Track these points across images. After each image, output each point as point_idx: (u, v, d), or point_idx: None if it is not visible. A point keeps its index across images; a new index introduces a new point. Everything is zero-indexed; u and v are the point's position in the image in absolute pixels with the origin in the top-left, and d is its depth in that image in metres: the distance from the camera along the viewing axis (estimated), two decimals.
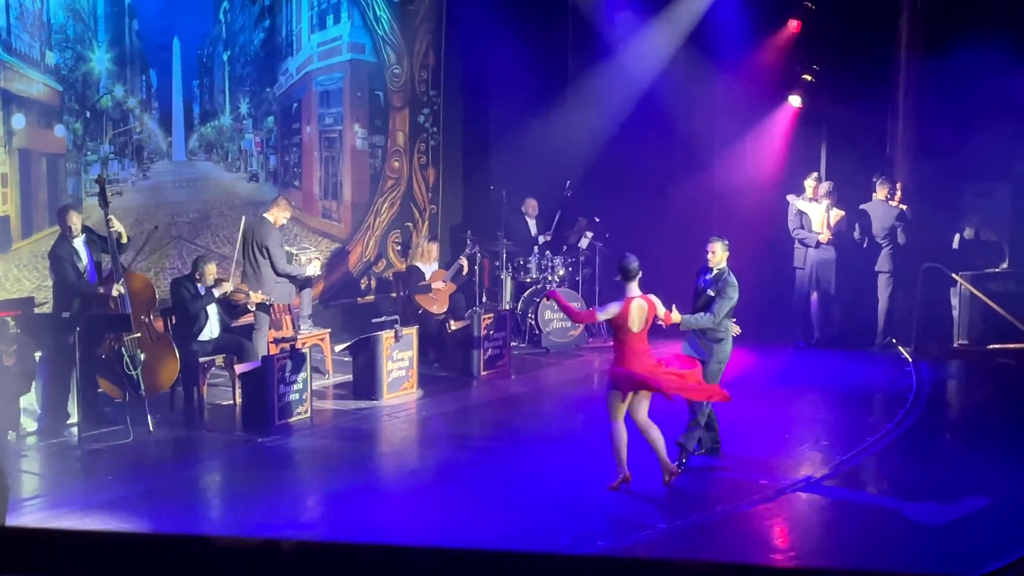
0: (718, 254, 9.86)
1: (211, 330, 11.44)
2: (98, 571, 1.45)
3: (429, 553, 1.38)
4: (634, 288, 9.01)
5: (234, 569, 1.42)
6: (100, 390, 10.80)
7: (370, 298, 15.81)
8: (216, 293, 11.39)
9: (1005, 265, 15.66)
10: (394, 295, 15.14)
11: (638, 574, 1.40)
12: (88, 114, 12.37)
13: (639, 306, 8.96)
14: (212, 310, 11.44)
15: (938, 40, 15.28)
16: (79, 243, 10.72)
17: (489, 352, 13.49)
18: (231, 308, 11.74)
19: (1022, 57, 14.76)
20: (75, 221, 10.68)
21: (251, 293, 11.86)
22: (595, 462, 9.57)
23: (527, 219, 15.99)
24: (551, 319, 14.84)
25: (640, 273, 9.04)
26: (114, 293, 10.55)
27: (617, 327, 9.01)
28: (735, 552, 7.96)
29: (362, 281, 15.82)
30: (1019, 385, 13.44)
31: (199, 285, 11.36)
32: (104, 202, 10.60)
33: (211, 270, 11.48)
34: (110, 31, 12.52)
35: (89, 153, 12.39)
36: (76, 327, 9.98)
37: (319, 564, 1.42)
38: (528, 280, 15.26)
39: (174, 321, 11.41)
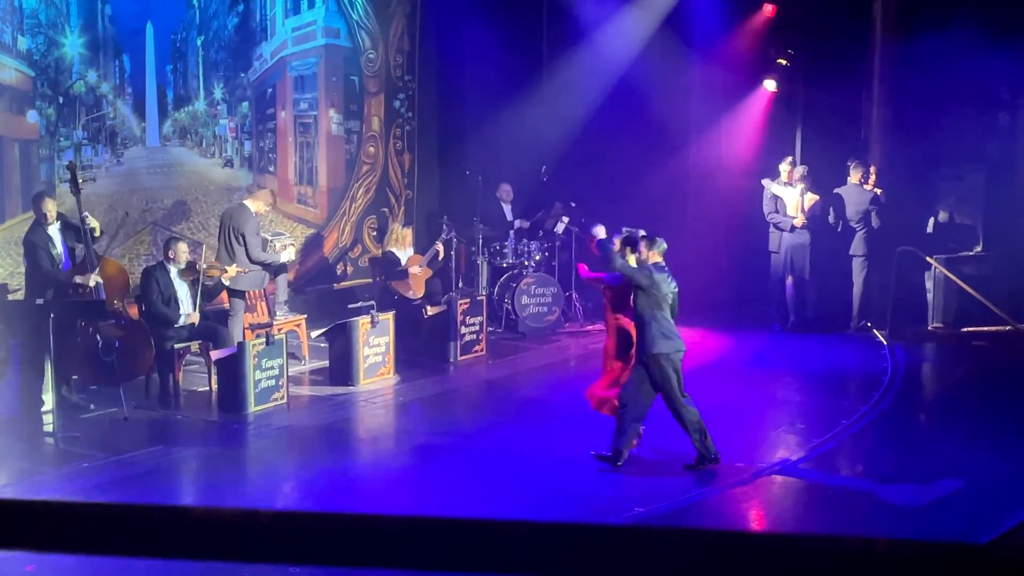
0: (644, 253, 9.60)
1: (186, 316, 11.38)
2: (69, 541, 1.44)
3: (407, 522, 1.38)
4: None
5: (211, 539, 1.41)
6: (75, 377, 10.75)
7: (346, 284, 15.77)
8: (184, 321, 11.25)
9: (979, 248, 15.73)
10: (370, 281, 15.11)
11: (620, 541, 1.40)
12: (61, 100, 12.29)
13: None
14: (185, 295, 11.37)
15: (912, 24, 15.32)
16: (54, 230, 10.66)
17: (466, 337, 13.49)
18: (205, 288, 11.62)
19: (995, 41, 14.82)
20: (50, 208, 10.62)
21: (226, 268, 11.77)
22: (572, 446, 9.58)
23: (502, 204, 15.98)
24: (527, 304, 14.84)
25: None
26: (91, 283, 10.49)
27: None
28: None
29: (338, 267, 15.78)
30: (993, 368, 13.52)
31: (170, 267, 11.26)
32: (76, 189, 10.53)
33: (182, 249, 11.42)
34: (82, 16, 12.43)
35: (62, 139, 12.30)
36: (50, 314, 9.92)
37: (298, 534, 1.42)
38: (504, 265, 15.25)
39: (146, 309, 11.35)
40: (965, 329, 14.80)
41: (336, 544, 1.39)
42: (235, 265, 11.85)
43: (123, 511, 1.42)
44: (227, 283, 11.84)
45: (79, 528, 1.43)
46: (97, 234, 10.80)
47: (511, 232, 15.44)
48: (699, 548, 1.36)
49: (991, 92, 15.59)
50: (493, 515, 7.79)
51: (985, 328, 14.72)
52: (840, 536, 1.31)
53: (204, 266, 11.57)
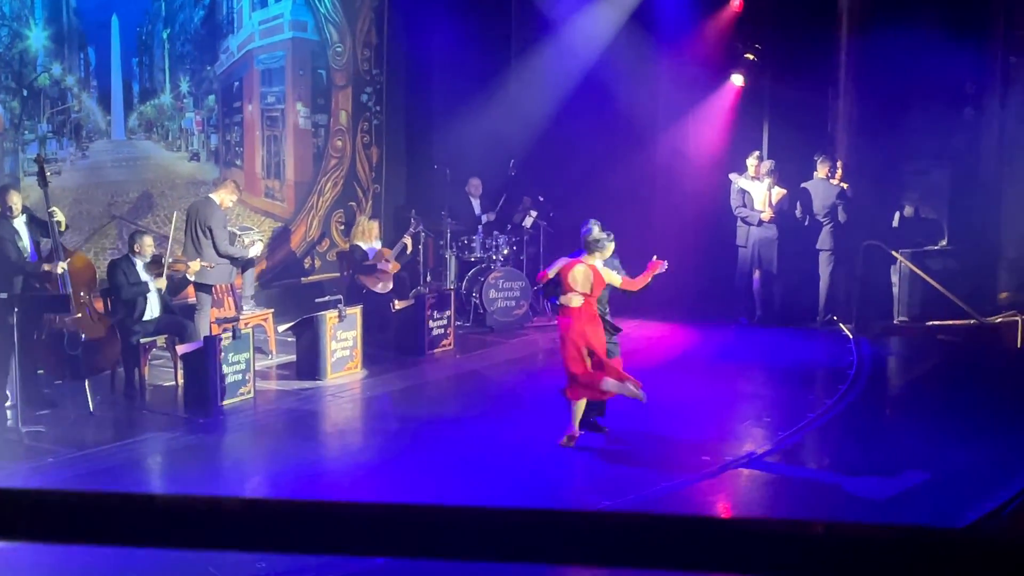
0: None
1: (152, 310, 11.31)
2: (31, 530, 1.43)
3: (374, 509, 1.37)
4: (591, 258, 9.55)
5: (176, 526, 1.41)
6: (40, 371, 10.68)
7: (314, 278, 15.72)
8: (153, 286, 11.22)
9: (944, 243, 15.84)
10: (338, 275, 15.07)
11: (581, 525, 1.40)
12: (25, 93, 12.19)
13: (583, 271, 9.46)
14: (151, 290, 11.30)
15: (878, 20, 15.39)
16: (19, 223, 10.58)
17: (433, 331, 13.47)
18: (170, 283, 11.56)
19: (960, 37, 14.92)
20: (15, 201, 10.54)
21: (189, 263, 11.70)
22: (539, 441, 9.60)
23: (471, 198, 15.96)
24: (495, 298, 14.84)
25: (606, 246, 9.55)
26: (58, 271, 10.42)
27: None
28: None
29: (305, 261, 15.72)
30: (957, 361, 13.63)
31: (135, 260, 11.20)
32: (43, 182, 10.47)
33: (148, 242, 11.34)
34: (47, 8, 12.33)
35: (27, 132, 12.21)
36: (15, 308, 9.85)
37: (264, 522, 1.41)
38: (472, 259, 15.23)
39: (113, 301, 11.28)
40: (930, 323, 14.90)
41: (304, 532, 1.39)
42: (199, 260, 11.78)
43: (90, 500, 1.41)
44: (191, 278, 11.76)
45: (45, 517, 1.42)
46: (63, 228, 10.74)
47: (479, 226, 15.43)
48: (666, 534, 1.36)
49: (956, 87, 15.69)
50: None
51: (950, 322, 14.82)
52: (806, 521, 1.32)
53: (169, 260, 11.51)
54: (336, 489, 8.78)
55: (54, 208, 10.50)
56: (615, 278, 9.64)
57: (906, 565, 1.36)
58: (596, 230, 9.75)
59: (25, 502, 1.41)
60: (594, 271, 9.54)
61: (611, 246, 9.61)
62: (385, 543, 1.40)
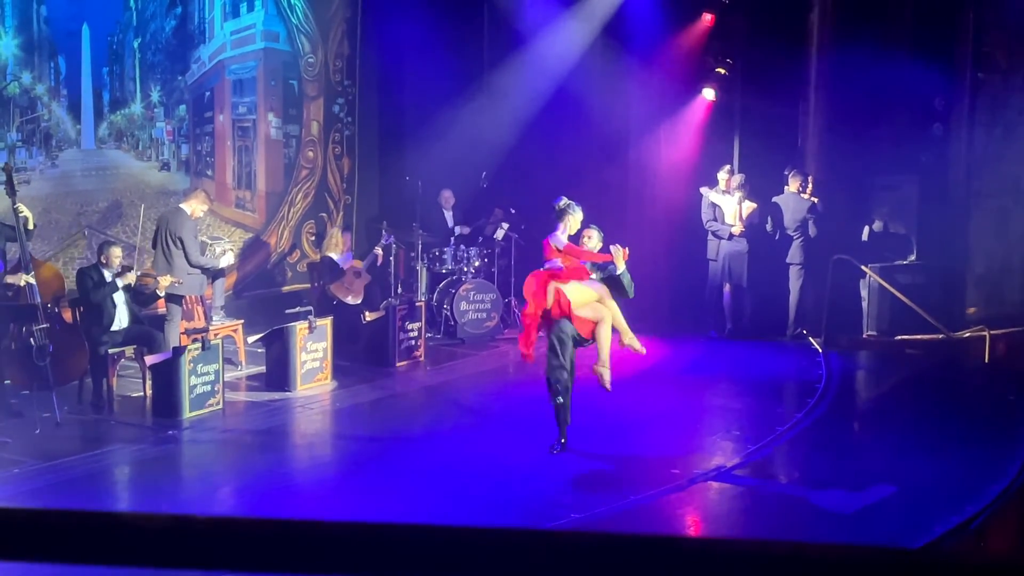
0: (594, 239, 10.07)
1: (120, 320, 11.25)
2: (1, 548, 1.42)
3: (342, 527, 1.37)
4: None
5: (143, 544, 1.40)
6: (7, 381, 10.61)
7: (285, 289, 15.67)
8: (120, 283, 11.17)
9: (913, 257, 15.93)
10: (308, 286, 15.03)
11: (553, 546, 1.40)
12: None
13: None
14: (120, 300, 11.23)
15: (848, 36, 15.48)
16: None
17: (404, 343, 13.45)
18: (140, 296, 11.52)
19: (929, 53, 15.03)
20: None
21: (159, 278, 11.64)
22: (509, 452, 9.59)
23: (444, 211, 15.95)
24: (467, 310, 14.84)
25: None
26: (21, 283, 10.37)
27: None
28: None
29: (276, 272, 15.68)
30: (925, 375, 13.69)
31: (104, 270, 11.15)
32: (11, 191, 10.42)
33: (116, 253, 11.28)
34: (17, 17, 12.28)
35: None
36: None
37: (232, 539, 1.41)
38: (444, 271, 15.23)
39: (82, 311, 11.22)
40: (899, 337, 14.98)
41: (271, 550, 1.39)
42: (168, 276, 11.70)
43: (55, 517, 1.41)
44: (161, 294, 11.67)
45: (10, 534, 1.41)
46: (31, 227, 10.68)
47: (451, 239, 15.42)
48: (632, 553, 1.37)
49: (925, 103, 15.79)
50: (428, 521, 7.77)
51: (918, 336, 14.90)
52: (772, 541, 1.32)
53: (138, 273, 11.46)
54: (304, 502, 8.75)
55: (20, 204, 10.43)
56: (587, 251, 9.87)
57: None
58: (564, 200, 9.91)
59: None
60: (549, 248, 9.81)
61: (579, 213, 9.84)
62: (352, 560, 1.40)
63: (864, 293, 15.30)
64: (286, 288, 15.66)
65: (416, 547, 1.41)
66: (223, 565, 1.40)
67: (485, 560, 1.39)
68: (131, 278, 11.27)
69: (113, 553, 1.42)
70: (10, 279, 10.42)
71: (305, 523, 1.41)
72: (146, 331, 11.51)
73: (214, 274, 12.82)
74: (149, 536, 1.41)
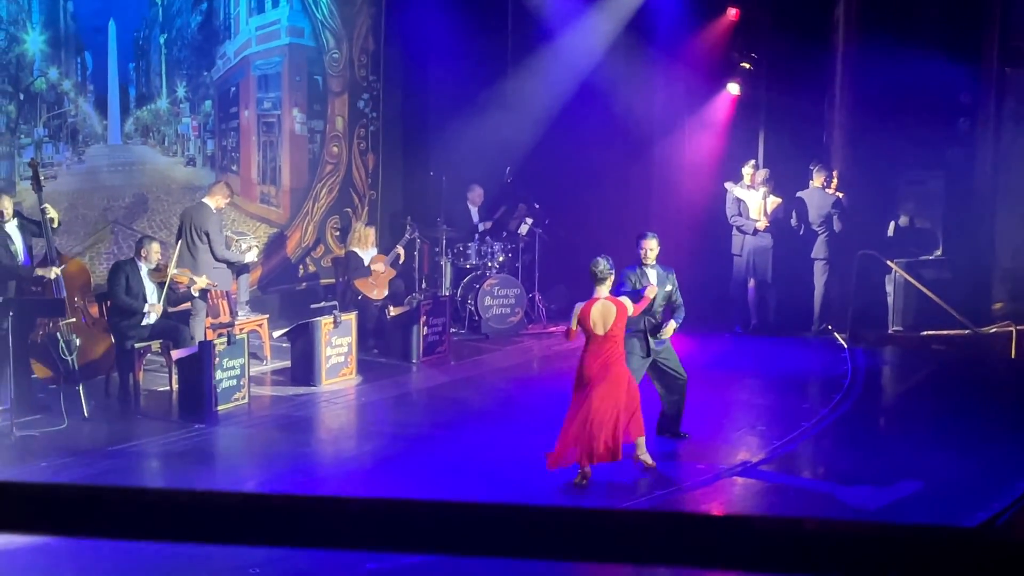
0: (656, 250, 9.77)
1: (149, 316, 11.28)
2: (16, 521, 1.43)
3: (365, 504, 1.37)
4: (602, 290, 8.91)
5: (170, 519, 1.41)
6: (34, 375, 10.66)
7: (309, 284, 15.69)
8: (154, 317, 11.10)
9: (939, 252, 15.86)
10: (333, 281, 15.06)
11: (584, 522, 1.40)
12: (22, 96, 12.19)
13: (602, 308, 8.85)
14: (152, 295, 11.23)
15: (874, 30, 15.42)
16: (11, 227, 10.59)
17: (428, 338, 13.45)
18: (171, 295, 11.51)
19: (955, 47, 14.95)
20: (7, 205, 10.56)
21: (195, 278, 11.65)
22: (533, 449, 9.58)
23: (470, 206, 15.93)
24: (490, 305, 14.83)
25: (610, 275, 8.95)
26: (52, 275, 10.43)
27: (582, 327, 8.90)
28: None
29: (300, 267, 15.72)
30: (951, 371, 13.63)
31: (141, 263, 11.13)
32: (38, 186, 10.48)
33: (155, 248, 11.29)
34: (44, 12, 12.33)
35: (23, 136, 12.21)
36: (9, 312, 9.84)
37: (264, 516, 1.41)
38: (468, 266, 15.22)
39: (109, 306, 11.25)
40: (925, 333, 14.91)
41: (299, 526, 1.39)
42: (204, 277, 11.72)
43: (90, 493, 1.41)
44: (196, 294, 11.69)
45: (44, 510, 1.42)
46: (56, 225, 10.74)
47: (476, 234, 15.41)
48: (668, 531, 1.37)
49: (951, 98, 15.70)
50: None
51: (944, 332, 14.83)
52: (820, 519, 1.32)
53: (174, 271, 11.48)
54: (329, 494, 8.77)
55: (46, 205, 10.49)
56: (629, 305, 9.03)
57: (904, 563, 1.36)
58: (600, 263, 9.06)
59: (18, 494, 1.41)
60: (615, 303, 8.92)
61: (611, 276, 9.00)
62: (380, 538, 1.40)
63: (889, 288, 15.23)
64: (309, 283, 15.66)
65: (444, 523, 1.41)
66: (250, 540, 1.40)
67: (511, 537, 1.39)
68: (159, 309, 11.12)
69: (142, 529, 1.42)
70: (40, 271, 10.48)
71: (333, 499, 1.41)
72: (172, 326, 11.53)
73: (239, 269, 12.86)
74: (178, 512, 1.41)
